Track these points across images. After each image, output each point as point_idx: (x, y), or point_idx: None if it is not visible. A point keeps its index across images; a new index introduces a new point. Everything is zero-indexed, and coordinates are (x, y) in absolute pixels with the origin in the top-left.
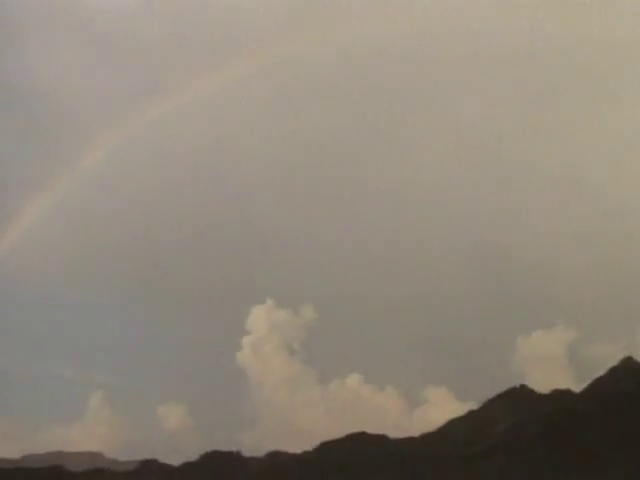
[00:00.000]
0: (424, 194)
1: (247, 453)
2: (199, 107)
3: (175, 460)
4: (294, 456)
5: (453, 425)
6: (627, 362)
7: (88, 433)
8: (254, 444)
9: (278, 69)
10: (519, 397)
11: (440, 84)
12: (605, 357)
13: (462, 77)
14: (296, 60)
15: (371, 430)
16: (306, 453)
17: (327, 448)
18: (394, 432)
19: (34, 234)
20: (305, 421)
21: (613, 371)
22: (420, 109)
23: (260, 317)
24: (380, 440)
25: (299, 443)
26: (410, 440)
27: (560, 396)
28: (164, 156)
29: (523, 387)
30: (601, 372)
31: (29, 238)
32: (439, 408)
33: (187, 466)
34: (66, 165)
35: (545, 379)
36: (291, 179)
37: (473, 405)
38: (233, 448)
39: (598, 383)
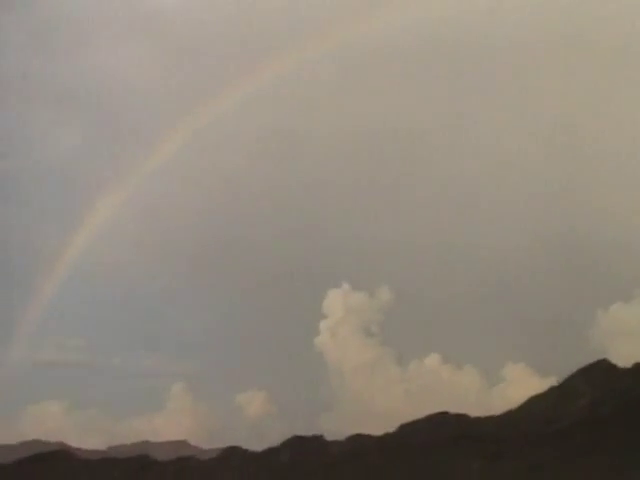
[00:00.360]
0: (497, 175)
1: (328, 437)
2: (266, 96)
3: (258, 446)
4: (375, 439)
5: (533, 402)
6: None
7: (172, 422)
8: (335, 428)
9: (345, 52)
10: (600, 372)
11: (510, 66)
12: None
13: (532, 59)
14: (364, 42)
15: (451, 410)
16: (387, 435)
17: (408, 429)
18: (474, 411)
19: (111, 229)
20: (385, 403)
21: None
22: (488, 91)
23: (336, 301)
24: (461, 420)
25: (380, 425)
26: (491, 419)
27: None
28: (235, 145)
29: (604, 361)
30: None
31: (106, 233)
32: (519, 385)
33: (270, 452)
34: (136, 160)
35: (626, 352)
36: (366, 161)
37: (553, 381)
38: (314, 432)
39: None
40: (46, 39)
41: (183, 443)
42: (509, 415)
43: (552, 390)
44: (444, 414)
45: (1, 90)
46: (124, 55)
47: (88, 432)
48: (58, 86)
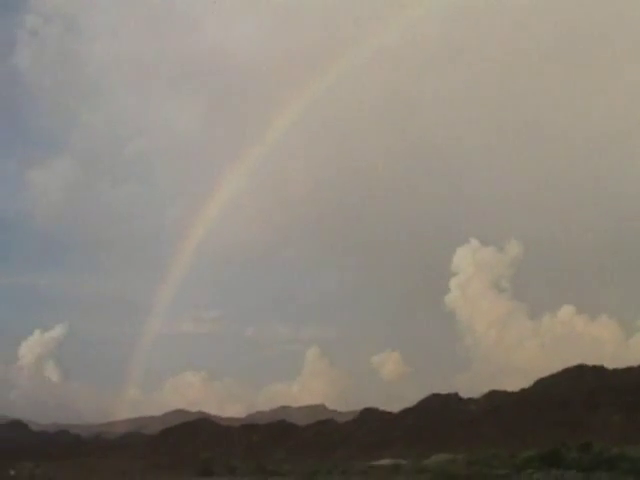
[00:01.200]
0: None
1: (464, 394)
2: (383, 55)
3: (394, 407)
4: (512, 394)
5: None
6: None
7: (308, 387)
8: (470, 385)
9: (459, 15)
10: None
11: None
12: None
13: None
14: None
15: (588, 362)
16: (523, 391)
17: (544, 384)
18: (612, 362)
19: (238, 202)
20: (519, 358)
21: None
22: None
23: (465, 257)
24: (598, 372)
25: (515, 381)
26: (629, 370)
27: None
28: (354, 109)
29: None
30: None
31: (233, 207)
32: None
33: (407, 412)
34: (258, 132)
35: None
36: (491, 116)
37: None
38: (450, 391)
39: None
40: (161, 20)
41: (320, 407)
42: None
43: None
44: (581, 367)
45: (123, 74)
46: (239, 31)
47: (227, 400)
48: (176, 66)
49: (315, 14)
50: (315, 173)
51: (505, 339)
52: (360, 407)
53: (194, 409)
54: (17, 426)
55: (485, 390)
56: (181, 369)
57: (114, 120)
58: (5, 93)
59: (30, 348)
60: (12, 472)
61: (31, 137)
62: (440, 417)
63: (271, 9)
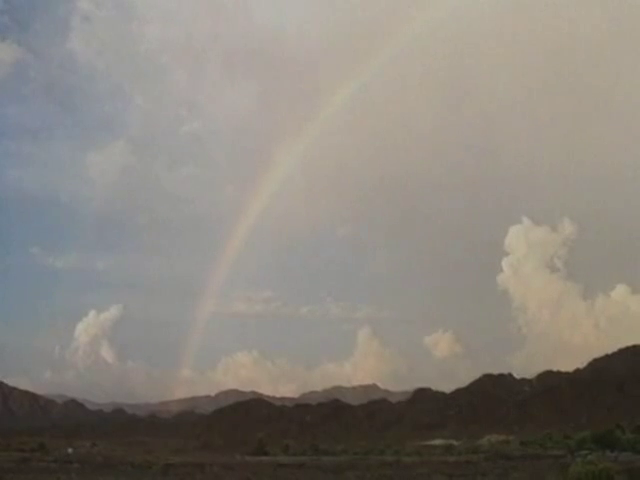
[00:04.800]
0: None
1: (518, 375)
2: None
3: (447, 387)
4: (566, 375)
5: None
6: None
7: (360, 367)
8: (524, 365)
9: None
10: None
11: None
12: None
13: None
14: None
15: None
16: (578, 371)
17: (599, 364)
18: None
19: (294, 181)
20: (573, 339)
21: None
22: None
23: (518, 237)
24: None
25: (569, 361)
26: None
27: None
28: (405, 88)
29: None
30: None
31: (290, 185)
32: None
33: (459, 392)
34: (310, 112)
35: None
36: (546, 90)
37: None
38: (503, 371)
39: None
40: (212, 2)
41: (373, 387)
42: None
43: None
44: (636, 347)
45: (176, 57)
46: (289, 12)
47: (280, 380)
48: (228, 48)
49: None
50: (367, 155)
51: (559, 319)
52: (412, 387)
53: (247, 389)
54: (73, 405)
55: (539, 370)
56: (234, 349)
57: (168, 102)
58: (61, 78)
59: (86, 329)
60: (69, 450)
61: (87, 121)
62: (493, 397)
63: None
